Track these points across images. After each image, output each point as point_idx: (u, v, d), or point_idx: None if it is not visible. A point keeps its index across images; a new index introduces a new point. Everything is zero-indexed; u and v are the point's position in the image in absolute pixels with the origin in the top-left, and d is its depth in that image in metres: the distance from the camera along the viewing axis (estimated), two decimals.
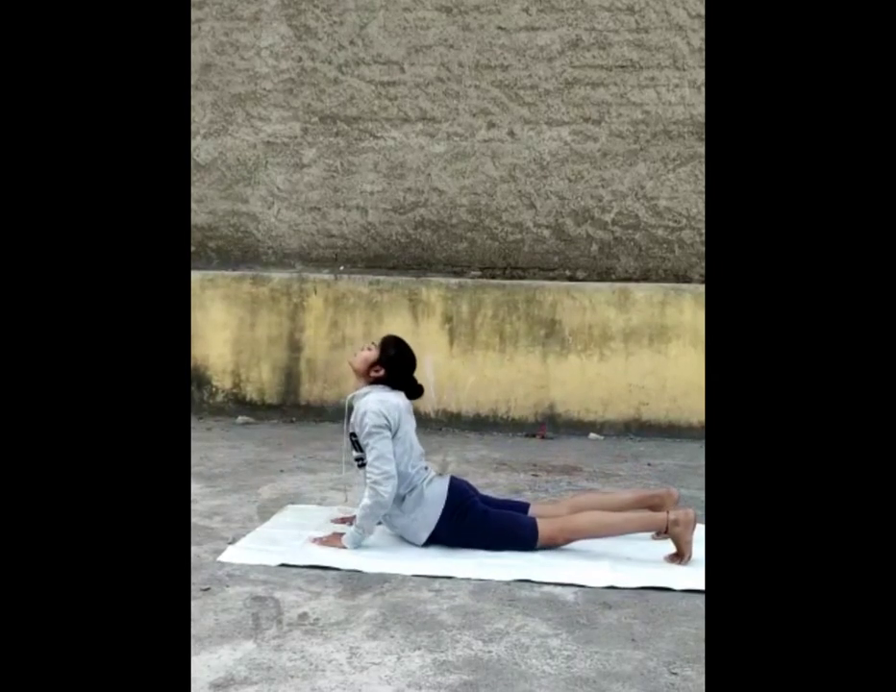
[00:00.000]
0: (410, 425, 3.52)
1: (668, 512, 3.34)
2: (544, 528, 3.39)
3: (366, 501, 3.36)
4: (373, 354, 3.54)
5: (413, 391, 3.59)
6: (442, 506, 3.41)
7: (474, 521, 3.42)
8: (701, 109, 6.00)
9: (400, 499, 3.42)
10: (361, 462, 3.44)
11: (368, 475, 3.37)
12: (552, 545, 3.39)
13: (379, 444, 3.37)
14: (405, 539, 3.49)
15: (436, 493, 3.44)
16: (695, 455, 5.17)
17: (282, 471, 4.65)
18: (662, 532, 3.35)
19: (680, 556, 3.27)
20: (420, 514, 3.42)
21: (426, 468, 3.53)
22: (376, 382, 3.52)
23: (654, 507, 3.54)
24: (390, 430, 3.40)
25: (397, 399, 3.49)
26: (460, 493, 3.48)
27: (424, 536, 3.43)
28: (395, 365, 3.55)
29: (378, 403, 3.41)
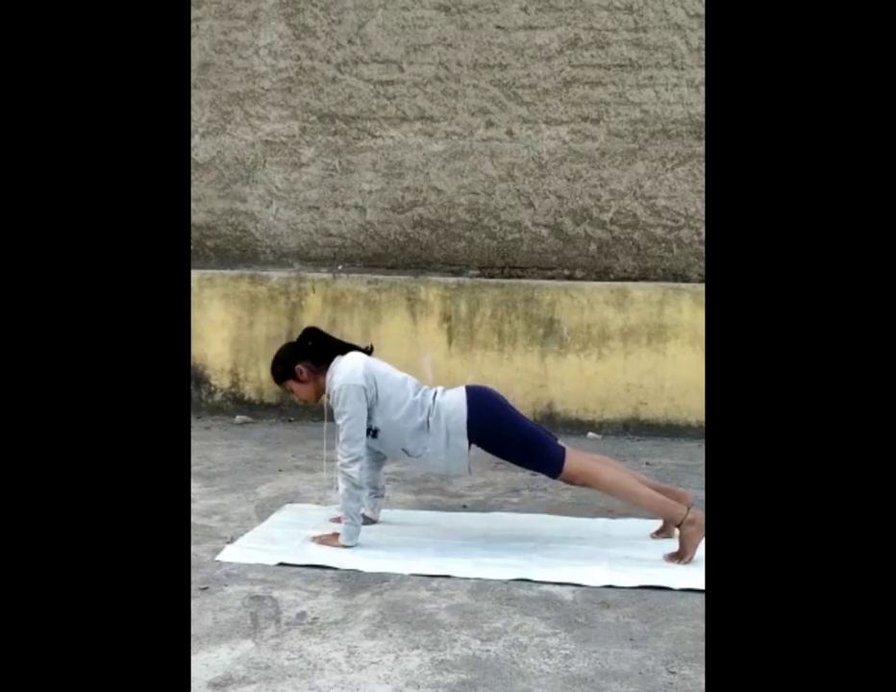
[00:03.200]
0: (382, 366, 3.47)
1: (689, 509, 3.32)
2: (572, 458, 3.35)
3: (341, 486, 3.35)
4: (295, 382, 3.51)
5: (351, 346, 3.55)
6: (465, 403, 3.36)
7: (508, 419, 3.39)
8: (699, 108, 6.00)
9: (424, 426, 3.37)
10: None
11: (337, 458, 3.36)
12: (570, 481, 3.38)
13: (346, 426, 3.34)
14: (449, 467, 3.44)
15: (454, 396, 3.41)
16: (694, 454, 5.18)
17: (280, 470, 4.65)
18: (675, 525, 3.33)
19: (680, 556, 3.26)
20: (450, 422, 3.35)
21: (429, 388, 3.50)
22: (317, 374, 3.48)
23: None
24: (366, 398, 3.34)
25: (351, 361, 3.43)
26: (477, 388, 3.48)
27: (463, 444, 3.35)
28: (311, 348, 3.51)
29: (338, 383, 3.35)
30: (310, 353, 3.52)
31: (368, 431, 3.40)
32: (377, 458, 3.67)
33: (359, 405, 3.34)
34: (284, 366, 3.53)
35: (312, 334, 3.62)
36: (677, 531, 3.40)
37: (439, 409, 3.38)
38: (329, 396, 3.45)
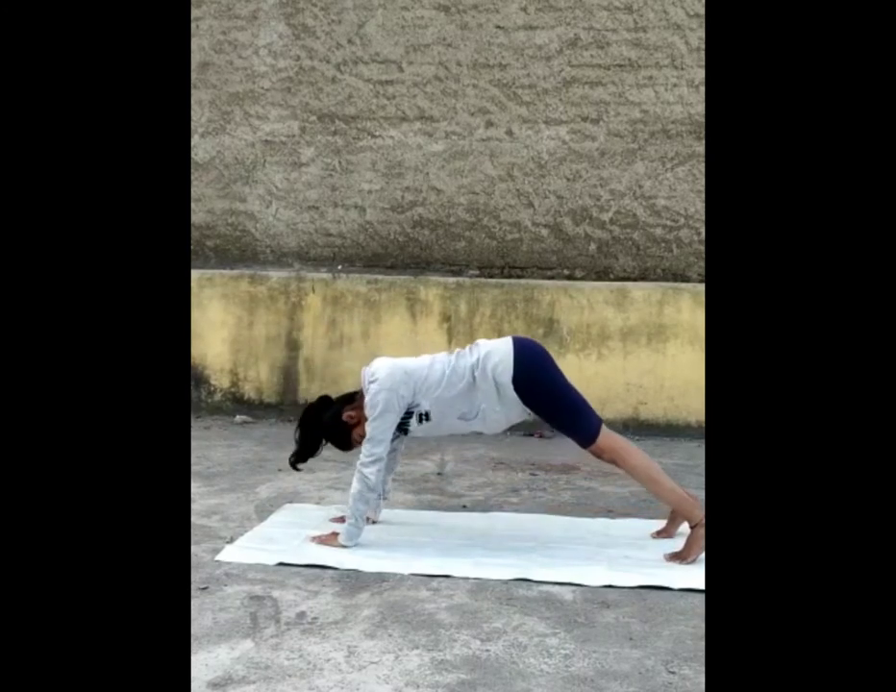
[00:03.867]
0: (408, 359, 3.49)
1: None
2: (606, 432, 3.35)
3: (354, 485, 3.35)
4: (355, 428, 3.49)
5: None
6: (512, 354, 3.34)
7: (553, 375, 3.38)
8: (699, 108, 6.00)
9: (471, 385, 3.35)
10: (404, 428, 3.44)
11: (361, 456, 3.37)
12: (599, 455, 3.36)
13: (371, 426, 3.35)
14: (509, 417, 3.41)
15: (500, 346, 3.39)
16: (693, 454, 5.18)
17: (280, 470, 4.65)
18: (691, 525, 3.31)
19: (683, 557, 3.24)
20: (496, 373, 3.32)
21: (461, 349, 3.50)
22: (359, 407, 3.46)
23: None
24: (398, 399, 3.34)
25: (380, 365, 3.43)
26: (524, 340, 3.48)
27: (513, 393, 3.32)
28: (335, 400, 3.57)
29: (373, 389, 3.36)
30: (339, 402, 3.54)
31: (420, 417, 3.40)
32: (392, 460, 3.68)
33: (386, 408, 3.33)
34: (335, 428, 3.51)
35: (324, 399, 3.63)
36: (683, 529, 3.40)
37: (484, 362, 3.35)
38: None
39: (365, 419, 3.42)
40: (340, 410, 3.51)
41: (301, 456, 3.61)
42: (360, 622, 2.70)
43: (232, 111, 6.40)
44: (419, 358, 3.51)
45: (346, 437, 3.53)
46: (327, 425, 3.54)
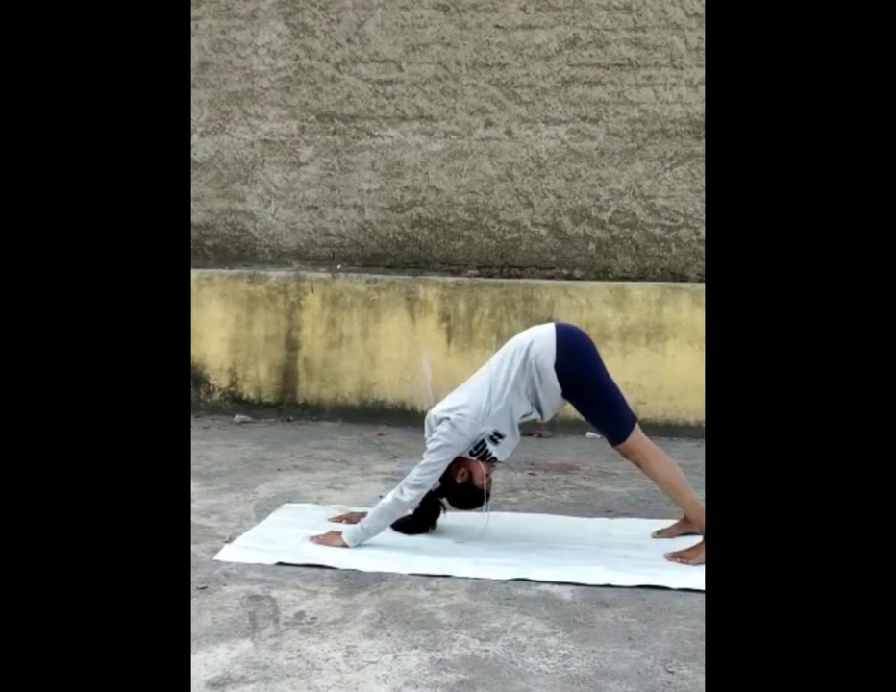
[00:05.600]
0: (456, 403, 3.45)
1: None
2: (638, 432, 3.33)
3: (388, 499, 3.34)
4: (473, 473, 3.47)
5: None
6: (554, 343, 3.33)
7: (594, 366, 3.36)
8: (698, 107, 6.01)
9: (517, 387, 3.34)
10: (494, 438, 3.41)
11: (408, 476, 3.36)
12: (626, 454, 3.35)
13: (428, 457, 3.35)
14: (552, 403, 3.39)
15: (542, 334, 3.37)
16: (692, 454, 5.17)
17: (279, 470, 4.65)
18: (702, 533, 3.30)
19: (686, 558, 3.23)
20: (538, 361, 3.31)
21: (494, 356, 3.49)
22: (459, 459, 3.43)
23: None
24: (455, 445, 3.35)
25: (441, 409, 3.44)
26: (567, 328, 3.45)
27: (554, 380, 3.32)
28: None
29: (439, 430, 3.36)
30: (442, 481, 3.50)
31: (492, 439, 3.40)
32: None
33: (447, 443, 3.34)
34: (458, 490, 3.51)
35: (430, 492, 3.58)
36: (692, 538, 3.39)
37: (527, 352, 3.34)
38: (432, 428, 3.44)
39: (465, 459, 3.43)
40: (451, 480, 3.47)
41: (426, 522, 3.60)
42: (359, 622, 2.69)
43: (231, 111, 6.40)
44: (462, 393, 3.47)
45: (472, 490, 3.51)
46: (452, 494, 3.53)
